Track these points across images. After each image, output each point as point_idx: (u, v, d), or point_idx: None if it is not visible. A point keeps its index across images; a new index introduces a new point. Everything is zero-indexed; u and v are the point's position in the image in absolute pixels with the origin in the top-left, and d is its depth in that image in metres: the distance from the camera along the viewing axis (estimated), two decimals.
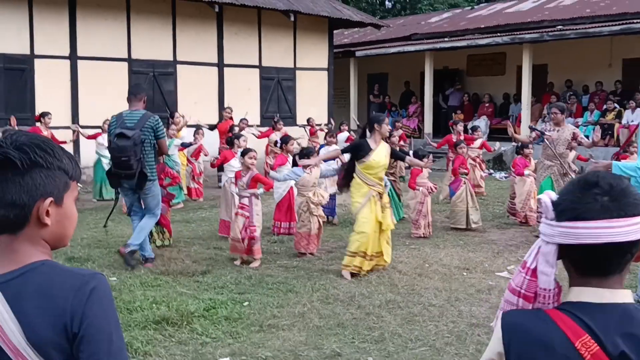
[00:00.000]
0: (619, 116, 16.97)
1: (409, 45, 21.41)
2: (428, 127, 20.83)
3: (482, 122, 19.71)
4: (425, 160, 8.90)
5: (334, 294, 6.51)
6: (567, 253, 1.53)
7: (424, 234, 9.22)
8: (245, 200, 7.58)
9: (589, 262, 1.51)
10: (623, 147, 8.00)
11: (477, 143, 12.33)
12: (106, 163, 12.41)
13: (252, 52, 17.56)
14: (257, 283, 6.90)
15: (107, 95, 14.98)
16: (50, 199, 1.58)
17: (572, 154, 9.84)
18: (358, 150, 7.23)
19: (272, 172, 8.82)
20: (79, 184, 10.13)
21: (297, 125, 17.14)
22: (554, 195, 1.57)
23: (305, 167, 8.02)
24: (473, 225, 9.69)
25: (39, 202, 1.57)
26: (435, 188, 9.70)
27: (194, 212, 11.15)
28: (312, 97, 18.66)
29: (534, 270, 1.55)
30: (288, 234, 9.04)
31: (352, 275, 7.11)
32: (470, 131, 13.63)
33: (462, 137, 12.15)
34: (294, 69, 18.49)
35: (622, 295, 1.52)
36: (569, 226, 1.48)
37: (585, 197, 1.49)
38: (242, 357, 4.93)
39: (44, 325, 1.50)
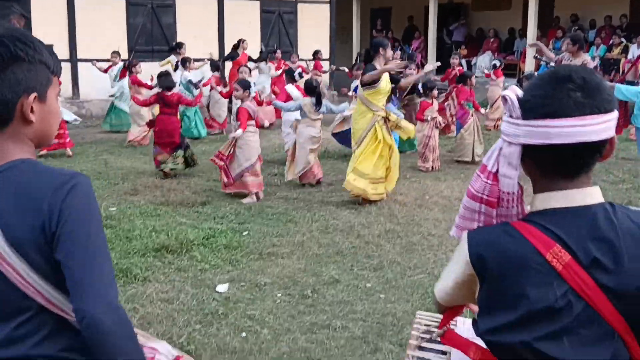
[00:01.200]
0: (625, 51, 16.67)
1: None
2: (431, 63, 20.51)
3: (486, 58, 19.40)
4: (433, 92, 8.90)
5: (334, 224, 6.50)
6: (532, 154, 1.41)
7: (432, 167, 9.16)
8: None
9: (557, 163, 1.39)
10: (623, 78, 7.83)
11: (435, 106, 11.98)
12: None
13: None
14: (257, 214, 6.88)
15: (105, 29, 14.71)
16: (34, 94, 1.52)
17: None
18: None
19: (276, 102, 8.73)
20: (77, 118, 10.17)
21: (299, 59, 16.83)
22: (519, 92, 1.43)
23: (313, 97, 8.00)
24: (477, 159, 9.62)
25: (23, 98, 1.51)
26: (445, 122, 9.62)
27: (194, 146, 11.05)
28: (313, 32, 18.29)
29: (495, 174, 1.44)
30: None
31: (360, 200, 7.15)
32: (474, 67, 13.41)
33: (457, 70, 11.94)
34: (295, 2, 18.07)
35: (592, 195, 1.41)
36: (538, 125, 1.36)
37: (557, 92, 1.35)
38: (241, 284, 4.94)
39: (23, 224, 1.44)
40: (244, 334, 4.10)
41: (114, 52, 12.83)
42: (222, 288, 4.84)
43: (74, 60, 14.46)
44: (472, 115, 9.72)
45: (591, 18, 18.52)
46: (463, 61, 12.57)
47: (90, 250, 1.46)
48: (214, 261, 5.40)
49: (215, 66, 12.92)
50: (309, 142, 7.99)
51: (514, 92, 1.44)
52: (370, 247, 5.79)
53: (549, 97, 1.36)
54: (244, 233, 6.18)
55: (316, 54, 16.01)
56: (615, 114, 1.38)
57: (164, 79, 8.85)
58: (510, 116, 1.42)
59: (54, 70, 1.58)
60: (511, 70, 17.04)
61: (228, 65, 14.43)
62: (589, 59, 8.96)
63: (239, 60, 13.41)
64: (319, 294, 4.74)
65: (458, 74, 11.34)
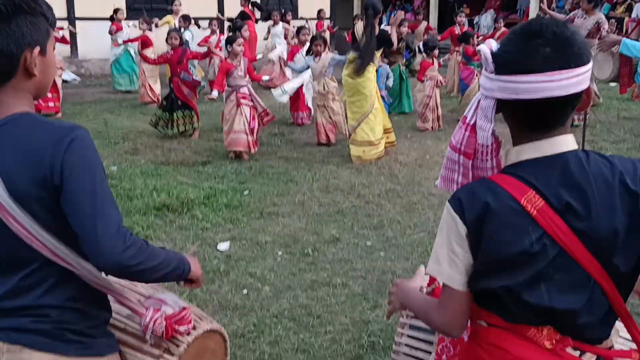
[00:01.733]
0: (629, 9, 16.48)
1: None
2: (433, 22, 20.26)
3: (487, 17, 19.20)
4: (434, 51, 8.91)
5: (334, 183, 6.52)
6: (506, 108, 1.43)
7: (432, 127, 9.14)
8: (245, 90, 7.43)
9: (529, 117, 1.41)
10: (628, 37, 7.73)
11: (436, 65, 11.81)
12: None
13: None
14: (258, 173, 6.90)
15: None
16: (38, 47, 1.52)
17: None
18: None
19: (290, 63, 8.64)
20: (76, 78, 10.11)
21: (298, 18, 16.64)
22: (494, 46, 1.43)
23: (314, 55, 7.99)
24: None
25: (27, 52, 1.50)
26: (444, 81, 9.54)
27: None
28: None
29: (473, 126, 1.46)
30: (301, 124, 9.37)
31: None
32: (476, 27, 13.22)
33: (464, 29, 11.76)
34: None
35: (563, 143, 1.42)
36: (507, 80, 1.37)
37: (527, 48, 1.36)
38: (242, 242, 4.98)
39: (24, 177, 1.44)
40: (245, 291, 4.14)
41: (120, 9, 12.47)
42: (223, 246, 4.88)
43: (71, 18, 14.29)
44: (477, 75, 9.61)
45: None
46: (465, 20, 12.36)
47: (99, 202, 1.47)
48: (214, 220, 5.43)
49: (237, 27, 11.77)
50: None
51: (488, 46, 1.44)
52: (371, 207, 5.82)
53: (519, 52, 1.37)
54: (245, 192, 6.20)
55: (319, 14, 15.69)
56: (587, 67, 1.38)
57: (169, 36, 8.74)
58: (486, 70, 1.43)
59: (52, 22, 1.57)
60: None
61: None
62: (603, 18, 8.79)
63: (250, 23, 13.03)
64: (319, 252, 4.78)
65: (460, 33, 11.23)
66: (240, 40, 7.50)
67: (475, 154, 1.48)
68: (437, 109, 9.21)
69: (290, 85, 8.58)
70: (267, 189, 6.32)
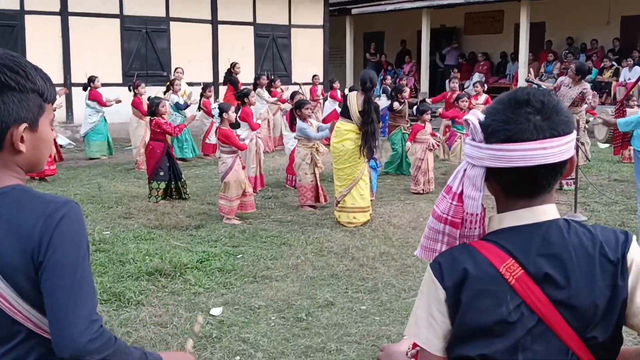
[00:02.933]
0: (616, 74, 16.85)
1: (406, 2, 21.09)
2: (424, 86, 20.67)
3: (476, 78, 19.54)
4: (425, 115, 9.04)
5: (328, 246, 6.50)
6: (495, 176, 1.44)
7: (423, 190, 9.19)
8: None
9: (519, 184, 1.42)
10: (622, 102, 7.90)
11: (482, 99, 12.07)
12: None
13: (246, 9, 17.29)
14: (251, 237, 6.88)
15: (99, 53, 14.80)
16: (25, 124, 1.51)
17: (583, 107, 9.59)
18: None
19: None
20: (71, 142, 10.18)
21: (292, 84, 16.96)
22: (481, 116, 1.46)
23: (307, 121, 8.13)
24: None
25: (13, 128, 1.49)
26: (439, 144, 9.66)
27: (188, 169, 11.08)
28: (307, 56, 18.45)
29: (460, 195, 1.46)
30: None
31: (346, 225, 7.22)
32: (465, 91, 13.47)
33: (456, 94, 11.95)
34: (289, 27, 18.24)
35: (545, 212, 1.43)
36: (500, 148, 1.39)
37: (517, 116, 1.38)
38: (235, 307, 4.92)
39: (12, 250, 1.44)
40: (238, 358, 4.08)
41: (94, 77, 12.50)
42: (216, 311, 4.82)
43: (68, 84, 14.52)
44: (459, 138, 9.73)
45: (582, 42, 18.74)
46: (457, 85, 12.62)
47: (77, 278, 1.46)
48: (208, 284, 5.39)
49: (244, 94, 12.01)
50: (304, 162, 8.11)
51: (475, 115, 1.47)
52: (365, 270, 5.79)
53: (509, 121, 1.40)
54: (238, 256, 6.17)
55: (314, 79, 16.07)
56: (573, 135, 1.42)
57: (151, 103, 8.79)
58: (473, 139, 1.45)
59: (48, 97, 1.56)
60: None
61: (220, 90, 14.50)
62: (588, 88, 8.97)
63: (233, 88, 13.49)
64: (313, 317, 4.73)
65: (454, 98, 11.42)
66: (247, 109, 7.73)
67: (463, 222, 1.49)
68: (429, 172, 9.28)
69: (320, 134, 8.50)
70: (260, 252, 6.30)
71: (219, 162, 7.76)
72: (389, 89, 9.45)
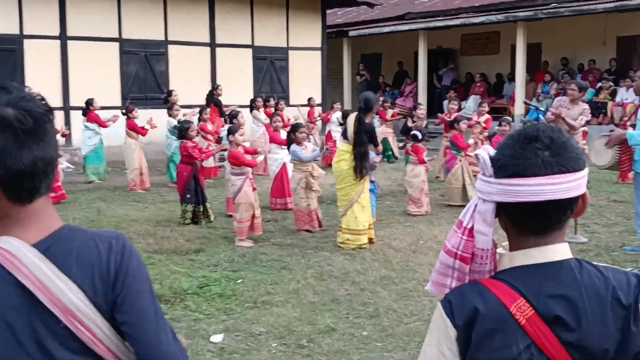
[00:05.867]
0: (613, 94, 16.92)
1: (403, 24, 21.25)
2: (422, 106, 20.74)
3: (470, 101, 19.63)
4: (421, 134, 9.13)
5: (328, 270, 6.48)
6: (505, 211, 1.44)
7: (426, 211, 9.21)
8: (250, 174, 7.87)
9: (528, 220, 1.42)
10: (625, 123, 7.86)
11: (483, 119, 12.10)
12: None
13: (244, 31, 17.40)
14: (251, 261, 6.86)
15: (98, 76, 14.86)
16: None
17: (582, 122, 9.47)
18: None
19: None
20: (69, 166, 10.18)
21: (290, 105, 17.01)
22: (492, 151, 1.47)
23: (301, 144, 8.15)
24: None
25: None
26: (429, 167, 9.70)
27: None
28: (305, 78, 18.53)
29: (471, 230, 1.46)
30: (284, 209, 9.37)
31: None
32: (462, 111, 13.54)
33: (454, 115, 12.01)
34: (287, 49, 18.34)
35: (557, 252, 1.42)
36: (508, 183, 1.39)
37: (526, 151, 1.39)
38: (236, 333, 4.89)
39: (93, 286, 1.45)
40: None
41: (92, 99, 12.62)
42: (216, 338, 4.79)
43: (67, 107, 14.58)
44: (459, 160, 9.79)
45: (579, 62, 18.85)
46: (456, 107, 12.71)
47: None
48: (208, 310, 5.36)
49: (234, 115, 11.24)
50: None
51: (486, 151, 1.47)
52: (366, 294, 5.77)
53: (518, 156, 1.41)
54: (238, 281, 6.15)
55: (309, 101, 16.26)
56: (584, 172, 1.42)
57: (180, 127, 9.14)
58: (484, 174, 1.45)
59: None
60: (500, 114, 17.17)
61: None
62: (587, 109, 8.81)
63: (217, 108, 13.80)
64: (315, 343, 4.70)
65: (450, 119, 11.49)
66: (242, 130, 7.79)
67: (474, 258, 1.48)
68: (427, 193, 9.33)
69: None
70: (260, 277, 6.28)
71: (228, 184, 7.90)
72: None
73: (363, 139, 7.20)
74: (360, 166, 7.18)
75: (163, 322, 1.50)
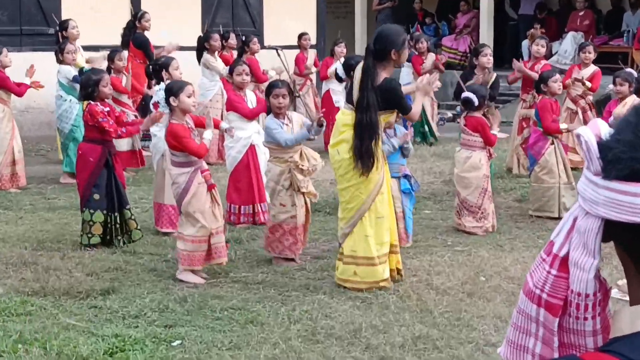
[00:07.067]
0: None
1: None
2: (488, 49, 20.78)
3: (567, 42, 19.61)
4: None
5: (325, 326, 6.50)
6: (619, 235, 1.41)
7: (491, 227, 9.25)
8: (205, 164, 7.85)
9: None
10: None
11: (587, 71, 12.00)
12: None
13: None
14: (197, 309, 6.88)
15: None
16: None
17: None
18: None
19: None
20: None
21: (266, 47, 16.94)
22: (605, 131, 1.44)
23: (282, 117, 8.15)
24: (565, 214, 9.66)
25: None
26: (493, 153, 9.66)
27: None
28: (290, 3, 18.53)
29: (565, 260, 1.44)
30: (253, 224, 9.38)
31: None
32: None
33: (539, 66, 11.97)
34: None
35: None
36: (622, 190, 1.36)
37: None
38: None
39: None
40: None
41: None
42: None
43: None
44: (552, 143, 9.75)
45: None
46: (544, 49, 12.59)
47: None
48: None
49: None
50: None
51: (595, 130, 1.42)
52: None
53: (638, 145, 1.37)
54: (174, 343, 6.17)
55: (301, 39, 16.13)
56: None
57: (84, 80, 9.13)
58: (588, 169, 1.41)
59: None
60: (616, 65, 17.17)
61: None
62: None
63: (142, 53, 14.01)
64: None
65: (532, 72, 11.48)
66: (190, 88, 7.80)
67: (567, 307, 1.46)
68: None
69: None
70: (212, 336, 6.30)
71: (165, 179, 8.08)
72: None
73: (369, 102, 7.14)
74: (363, 151, 7.13)
75: None
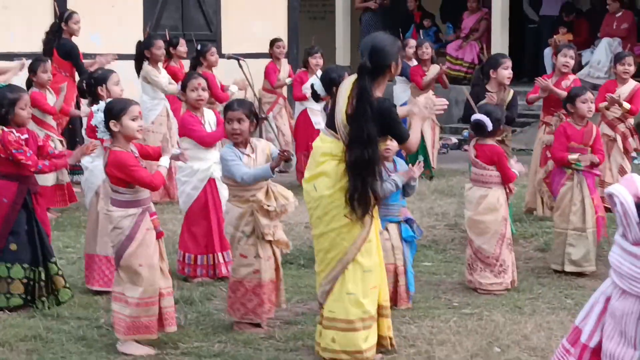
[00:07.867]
0: None
1: None
2: (499, 51, 20.84)
3: (601, 50, 19.72)
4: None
5: None
6: None
7: (513, 282, 9.32)
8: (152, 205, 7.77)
9: None
10: None
11: (626, 88, 11.96)
12: None
13: None
14: None
15: None
16: None
17: None
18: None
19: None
20: None
21: (224, 56, 16.99)
22: None
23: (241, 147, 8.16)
24: (587, 268, 9.69)
25: None
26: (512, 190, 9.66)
27: None
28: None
29: (596, 352, 1.47)
30: (212, 277, 9.52)
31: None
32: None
33: (570, 78, 12.01)
34: None
35: None
36: None
37: None
38: None
39: None
40: None
41: None
42: None
43: None
44: (572, 177, 9.82)
45: None
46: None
47: None
48: None
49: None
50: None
51: (633, 188, 1.43)
52: None
53: None
54: None
55: (273, 46, 16.12)
56: None
57: None
58: (624, 236, 1.43)
59: None
60: None
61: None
62: None
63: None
64: None
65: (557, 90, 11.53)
66: (136, 108, 7.77)
67: None
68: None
69: None
70: None
71: (102, 223, 8.01)
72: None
73: (370, 135, 7.12)
74: (361, 192, 7.10)
75: None
